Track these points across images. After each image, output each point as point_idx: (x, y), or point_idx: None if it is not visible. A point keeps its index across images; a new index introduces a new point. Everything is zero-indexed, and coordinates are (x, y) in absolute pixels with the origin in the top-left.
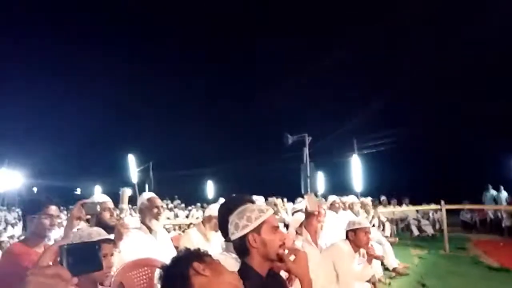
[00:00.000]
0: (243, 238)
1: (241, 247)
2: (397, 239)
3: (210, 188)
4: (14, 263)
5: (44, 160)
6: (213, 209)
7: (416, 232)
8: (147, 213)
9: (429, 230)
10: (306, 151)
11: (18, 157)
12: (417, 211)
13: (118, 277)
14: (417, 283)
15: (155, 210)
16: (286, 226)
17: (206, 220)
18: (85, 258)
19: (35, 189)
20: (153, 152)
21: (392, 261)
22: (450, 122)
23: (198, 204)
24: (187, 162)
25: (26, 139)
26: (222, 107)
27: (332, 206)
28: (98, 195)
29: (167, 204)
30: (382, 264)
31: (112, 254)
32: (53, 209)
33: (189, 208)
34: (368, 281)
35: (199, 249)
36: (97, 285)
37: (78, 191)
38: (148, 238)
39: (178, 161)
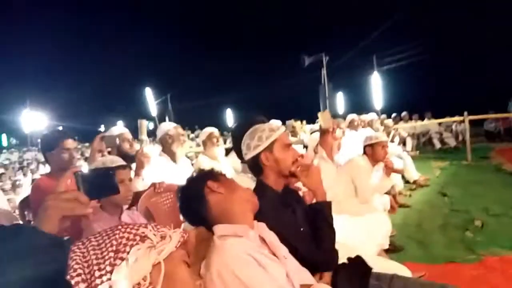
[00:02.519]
0: (256, 157)
1: (255, 166)
2: (418, 152)
3: (229, 116)
4: (41, 196)
5: (67, 101)
6: (206, 129)
7: (438, 145)
8: (173, 141)
9: (452, 142)
10: (323, 71)
11: (42, 98)
12: (439, 124)
13: (143, 203)
14: (437, 193)
15: (179, 137)
16: (306, 147)
17: (206, 141)
18: (99, 182)
19: (60, 128)
20: (171, 84)
21: (413, 174)
22: (472, 32)
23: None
24: (205, 91)
25: (48, 80)
26: (237, 32)
27: (351, 125)
28: (116, 127)
29: (188, 135)
30: (403, 177)
31: (130, 180)
32: (69, 142)
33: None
34: (388, 193)
35: (212, 169)
36: (121, 209)
37: (102, 128)
38: (170, 165)
39: (196, 91)
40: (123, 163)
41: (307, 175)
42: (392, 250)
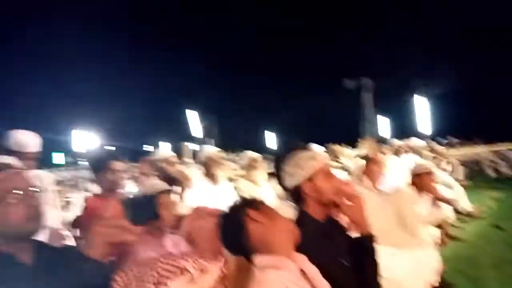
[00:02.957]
0: (297, 186)
1: (296, 195)
2: (469, 181)
3: (271, 138)
4: (90, 216)
5: (117, 122)
6: (247, 153)
7: (492, 174)
8: (214, 164)
9: (507, 171)
10: (365, 95)
11: (93, 118)
12: (492, 151)
13: (185, 227)
14: (493, 226)
15: (219, 161)
16: (348, 172)
17: (247, 165)
18: (142, 209)
19: (111, 148)
20: (215, 106)
21: (465, 205)
22: None
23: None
24: (249, 113)
25: (100, 101)
26: (281, 54)
27: (395, 150)
28: (162, 150)
29: (229, 156)
30: (455, 209)
31: (173, 204)
32: (117, 164)
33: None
34: (438, 226)
35: (253, 197)
36: (164, 233)
37: (149, 148)
38: (211, 189)
39: (241, 113)
40: (167, 187)
41: (351, 206)
42: (442, 287)
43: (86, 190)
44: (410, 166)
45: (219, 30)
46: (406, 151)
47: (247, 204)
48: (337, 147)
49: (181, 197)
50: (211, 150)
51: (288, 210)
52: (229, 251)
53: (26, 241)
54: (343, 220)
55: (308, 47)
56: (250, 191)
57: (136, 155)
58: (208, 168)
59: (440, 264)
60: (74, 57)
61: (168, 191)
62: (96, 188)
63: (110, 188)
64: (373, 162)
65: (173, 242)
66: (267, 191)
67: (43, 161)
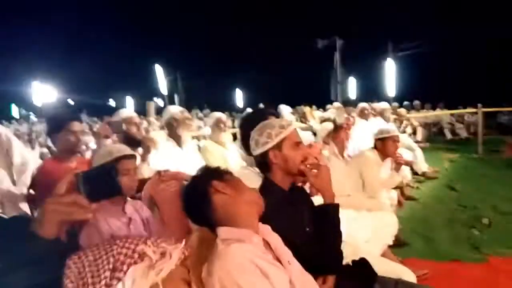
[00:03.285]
0: (264, 154)
1: (262, 163)
2: (428, 143)
3: (239, 96)
4: (46, 179)
5: (77, 75)
6: (213, 114)
7: (449, 135)
8: (179, 126)
9: (463, 133)
10: (336, 55)
11: (52, 71)
12: (451, 115)
13: (148, 191)
14: (446, 186)
15: (185, 121)
16: (314, 133)
17: (213, 126)
18: (102, 183)
19: (71, 102)
20: (180, 61)
21: (422, 166)
22: (492, 22)
23: (227, 113)
24: (216, 70)
25: (59, 53)
26: (250, 10)
27: (362, 113)
28: (123, 110)
29: (196, 113)
30: (412, 169)
31: (135, 169)
32: (76, 124)
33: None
34: (396, 187)
35: (218, 167)
36: (125, 199)
37: (111, 102)
38: (176, 150)
39: (207, 69)
40: (129, 152)
41: (316, 174)
42: (397, 245)
43: (42, 146)
44: (374, 130)
45: None
46: (373, 115)
47: (212, 174)
48: (306, 109)
49: (144, 160)
50: (176, 110)
51: (253, 176)
52: (192, 221)
53: None
54: (308, 188)
55: (279, 4)
56: (216, 152)
57: (100, 110)
58: (173, 129)
59: (398, 226)
60: (37, 5)
61: (131, 156)
62: (51, 144)
63: (67, 150)
64: (342, 130)
65: (134, 208)
66: (233, 153)
67: (1, 112)
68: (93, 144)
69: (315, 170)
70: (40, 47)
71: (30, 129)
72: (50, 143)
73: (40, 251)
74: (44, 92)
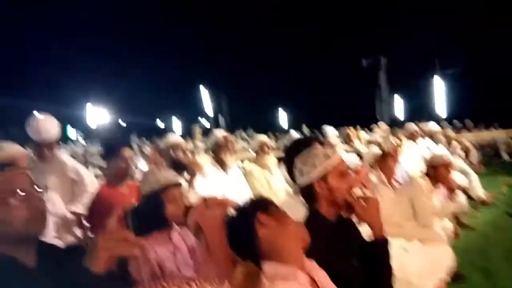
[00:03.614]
0: (309, 184)
1: (307, 193)
2: (483, 167)
3: (282, 116)
4: (100, 205)
5: (126, 96)
6: (257, 137)
7: (506, 157)
8: (223, 151)
9: None
10: (381, 74)
11: (103, 93)
12: (510, 136)
13: (194, 217)
14: (505, 213)
15: (225, 147)
16: (360, 156)
17: (257, 149)
18: (149, 219)
19: (122, 123)
20: (226, 82)
21: (478, 191)
22: None
23: (270, 133)
24: (260, 90)
25: (110, 76)
26: (294, 32)
27: (410, 135)
28: (171, 136)
29: (240, 134)
30: (466, 194)
31: (182, 197)
32: (126, 151)
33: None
34: (451, 216)
35: (264, 198)
36: (171, 227)
37: (159, 123)
38: (221, 175)
39: (251, 90)
40: (176, 181)
41: (364, 207)
42: (453, 280)
43: (94, 166)
44: (426, 156)
45: (235, 5)
46: (421, 136)
47: (257, 206)
48: (351, 130)
49: (190, 185)
50: (219, 135)
51: (298, 207)
52: (236, 254)
53: (30, 243)
54: (356, 220)
55: (324, 24)
56: (261, 177)
57: (149, 130)
58: (218, 154)
59: (453, 259)
60: (88, 32)
61: (177, 184)
62: (105, 164)
63: (118, 175)
64: (389, 156)
65: (180, 236)
66: (278, 177)
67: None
68: (142, 165)
69: (362, 202)
70: (93, 70)
71: (85, 150)
72: (103, 164)
73: (91, 286)
74: (97, 114)
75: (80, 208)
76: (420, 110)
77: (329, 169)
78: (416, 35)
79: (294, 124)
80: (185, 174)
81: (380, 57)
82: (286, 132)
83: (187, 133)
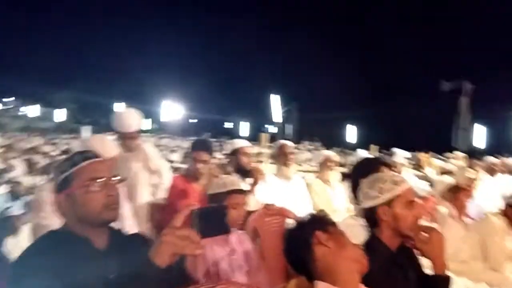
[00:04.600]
0: (373, 209)
1: (370, 218)
2: None
3: (351, 133)
4: (177, 194)
5: (199, 96)
6: (323, 152)
7: None
8: (286, 160)
9: None
10: (463, 99)
11: (178, 90)
12: None
13: (253, 222)
14: None
15: (286, 157)
16: (431, 184)
17: (321, 163)
18: (213, 222)
19: (193, 121)
20: (298, 93)
21: None
22: None
23: (337, 149)
24: (331, 105)
25: (185, 74)
26: (370, 48)
27: (489, 169)
28: (237, 141)
29: (305, 146)
30: None
31: (244, 204)
32: (204, 155)
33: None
34: None
35: (324, 216)
36: (231, 230)
37: (227, 125)
38: (283, 184)
39: (322, 103)
40: (241, 187)
41: (427, 240)
42: None
43: (167, 160)
44: (506, 194)
45: (314, 15)
46: (501, 171)
47: (317, 224)
48: (423, 156)
49: (251, 191)
50: (285, 144)
51: (358, 229)
52: (291, 266)
53: (103, 227)
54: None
55: (405, 41)
56: (322, 192)
57: (217, 131)
58: (281, 163)
59: None
60: (169, 35)
61: (242, 191)
62: (172, 156)
63: (194, 173)
64: (463, 189)
65: (238, 239)
66: (340, 194)
67: None
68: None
69: (425, 235)
70: (172, 71)
71: (157, 142)
72: (172, 157)
73: (150, 277)
74: (171, 110)
75: (156, 199)
76: (502, 143)
77: (396, 196)
78: (503, 59)
79: (363, 142)
80: (248, 179)
81: (463, 81)
82: (354, 148)
83: (254, 139)
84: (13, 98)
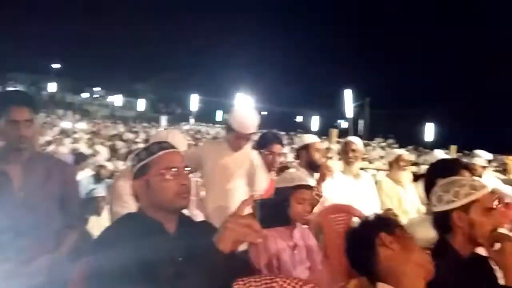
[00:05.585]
0: (447, 213)
1: (442, 222)
2: None
3: (429, 130)
4: None
5: (271, 88)
6: (395, 151)
7: None
8: (355, 158)
9: None
10: None
11: (251, 83)
12: None
13: (318, 218)
14: None
15: (351, 154)
16: None
17: (392, 162)
18: (274, 213)
19: (264, 112)
20: (370, 88)
21: None
22: None
23: (410, 147)
24: (406, 101)
25: (259, 68)
26: (449, 37)
27: None
28: (307, 136)
29: (379, 142)
30: None
31: (310, 199)
32: (277, 147)
33: (402, 150)
34: None
35: (390, 218)
36: (295, 224)
37: (299, 119)
38: (350, 182)
39: (397, 99)
40: (309, 182)
41: (500, 249)
42: None
43: None
44: None
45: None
46: None
47: (382, 225)
48: (509, 159)
49: (318, 186)
50: (351, 141)
51: (429, 231)
52: (352, 267)
53: (174, 213)
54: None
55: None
56: (392, 192)
57: (288, 124)
58: (349, 160)
59: None
60: (238, 26)
61: (309, 186)
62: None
63: (265, 165)
64: None
65: (301, 235)
66: (411, 195)
67: (208, 117)
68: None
69: (498, 244)
70: (246, 65)
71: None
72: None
73: (215, 262)
74: (244, 102)
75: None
76: None
77: (473, 201)
78: None
79: (441, 141)
80: (315, 175)
81: None
82: (431, 148)
83: (324, 133)
84: (99, 88)
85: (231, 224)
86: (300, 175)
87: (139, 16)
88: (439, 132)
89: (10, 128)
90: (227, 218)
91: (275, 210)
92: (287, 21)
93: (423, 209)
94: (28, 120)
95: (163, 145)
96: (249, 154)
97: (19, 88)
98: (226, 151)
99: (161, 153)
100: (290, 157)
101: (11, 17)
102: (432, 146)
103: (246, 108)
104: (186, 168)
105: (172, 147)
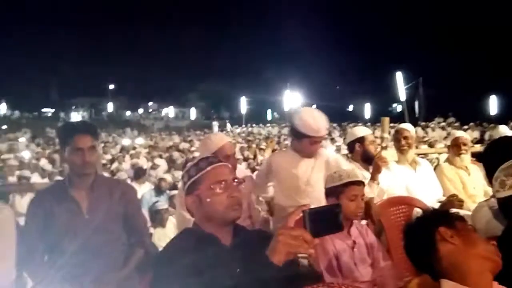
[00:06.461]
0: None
1: (508, 209)
2: None
3: (493, 103)
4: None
5: (320, 82)
6: (454, 132)
7: None
8: (409, 146)
9: None
10: None
11: (300, 80)
12: None
13: (376, 213)
14: None
15: (402, 143)
16: None
17: (452, 146)
18: (325, 221)
19: (314, 106)
20: (423, 67)
21: None
22: None
23: (472, 124)
24: (463, 76)
25: (305, 62)
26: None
27: None
28: (359, 128)
29: (438, 122)
30: None
31: (363, 195)
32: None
33: (464, 127)
34: None
35: (449, 211)
36: (351, 221)
37: (350, 108)
38: (407, 171)
39: (452, 76)
40: (359, 178)
41: None
42: None
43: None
44: None
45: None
46: None
47: (441, 219)
48: None
49: (374, 179)
50: (402, 128)
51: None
52: (412, 264)
53: (228, 226)
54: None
55: None
56: (454, 178)
57: (339, 115)
58: (403, 148)
59: None
60: (282, 20)
61: (360, 182)
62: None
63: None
64: None
65: (359, 232)
66: (477, 179)
67: (259, 118)
68: (330, 150)
69: None
70: (293, 59)
71: (280, 131)
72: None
73: (271, 274)
74: (292, 99)
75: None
76: None
77: None
78: None
79: (508, 114)
80: (370, 168)
81: None
82: (496, 122)
83: (378, 121)
84: (151, 103)
85: (282, 236)
86: (347, 171)
87: (179, 25)
88: (505, 104)
89: (75, 155)
90: (278, 231)
91: (325, 217)
92: (331, 13)
93: (490, 191)
94: (91, 147)
95: (211, 160)
96: (328, 158)
97: (80, 113)
98: (296, 158)
99: (209, 168)
100: (344, 149)
101: (70, 48)
102: (497, 120)
103: (310, 110)
104: (235, 180)
105: (219, 161)
